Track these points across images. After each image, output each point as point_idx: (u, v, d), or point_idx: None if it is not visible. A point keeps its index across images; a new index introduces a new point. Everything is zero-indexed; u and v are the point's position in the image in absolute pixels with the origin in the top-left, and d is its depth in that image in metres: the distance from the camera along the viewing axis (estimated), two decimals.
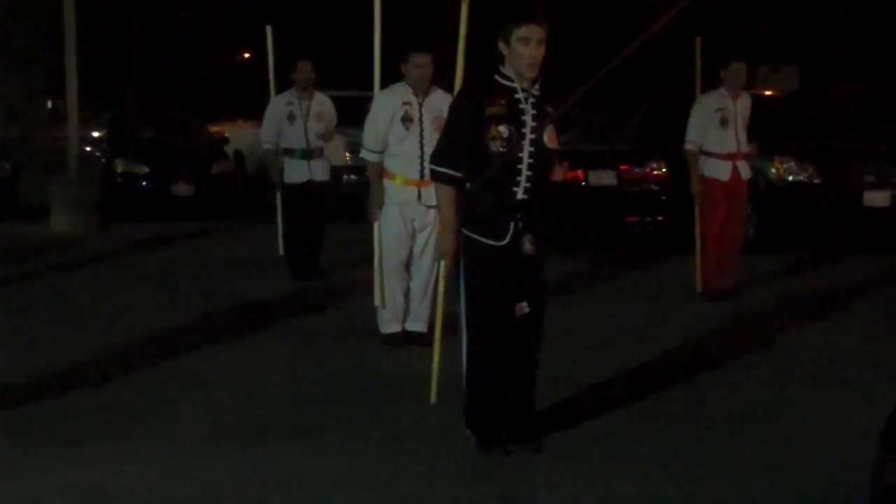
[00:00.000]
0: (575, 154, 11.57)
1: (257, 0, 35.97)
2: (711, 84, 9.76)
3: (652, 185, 13.33)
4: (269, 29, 12.45)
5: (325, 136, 10.90)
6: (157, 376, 7.40)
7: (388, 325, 8.07)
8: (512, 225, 5.36)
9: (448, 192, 5.47)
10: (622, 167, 13.24)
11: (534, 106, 5.37)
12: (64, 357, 7.81)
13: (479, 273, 5.44)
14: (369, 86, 7.94)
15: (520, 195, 5.36)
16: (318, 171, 10.83)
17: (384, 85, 7.79)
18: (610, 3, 30.55)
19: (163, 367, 7.62)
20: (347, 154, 15.69)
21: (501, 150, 5.31)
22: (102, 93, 34.40)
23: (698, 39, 10.02)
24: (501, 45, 5.34)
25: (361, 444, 6.01)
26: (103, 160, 17.30)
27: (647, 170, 13.30)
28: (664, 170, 13.14)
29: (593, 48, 24.49)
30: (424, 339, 7.67)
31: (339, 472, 5.57)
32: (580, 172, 12.69)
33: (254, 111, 28.58)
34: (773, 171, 12.75)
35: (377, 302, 8.03)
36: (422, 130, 7.75)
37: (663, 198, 13.17)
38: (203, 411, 6.60)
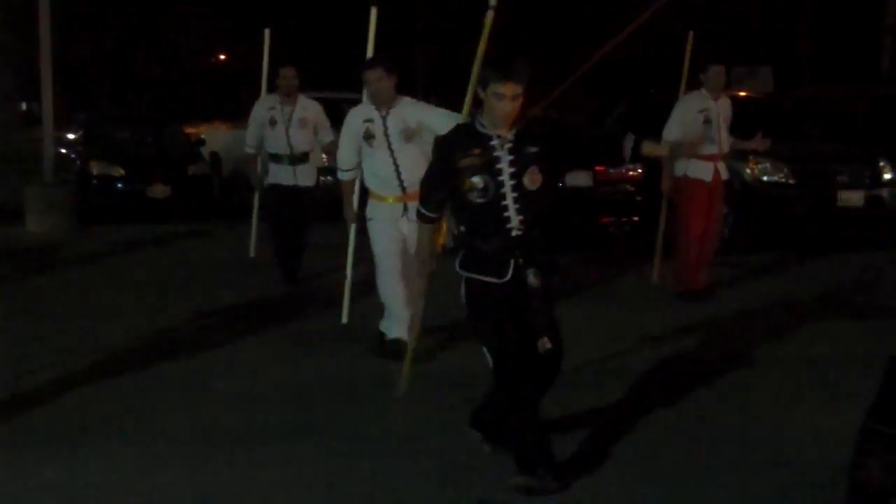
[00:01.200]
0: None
1: (234, 1, 35.91)
2: (693, 86, 9.85)
3: (628, 186, 13.39)
4: (266, 32, 12.37)
5: (323, 144, 10.90)
6: (138, 378, 7.39)
7: (396, 329, 7.80)
8: (512, 261, 5.24)
9: (427, 229, 5.68)
10: (598, 168, 13.28)
11: (511, 151, 5.23)
12: (45, 359, 7.78)
13: (487, 316, 5.31)
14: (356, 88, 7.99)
15: (514, 233, 5.25)
16: (302, 177, 10.74)
17: None
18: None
19: (144, 369, 7.62)
20: (324, 156, 15.68)
21: (479, 200, 5.23)
22: (77, 95, 34.27)
23: (690, 35, 10.13)
24: (480, 92, 5.28)
25: (345, 445, 6.04)
26: (78, 162, 17.25)
27: (623, 170, 13.34)
28: (640, 170, 13.19)
29: (574, 46, 24.53)
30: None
31: (325, 473, 5.61)
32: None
33: (230, 113, 28.58)
34: (749, 171, 12.85)
35: (343, 319, 8.15)
36: (389, 145, 7.61)
37: (639, 198, 13.23)
38: (184, 414, 6.61)
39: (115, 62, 38.35)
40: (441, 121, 7.24)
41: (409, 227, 7.49)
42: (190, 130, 21.19)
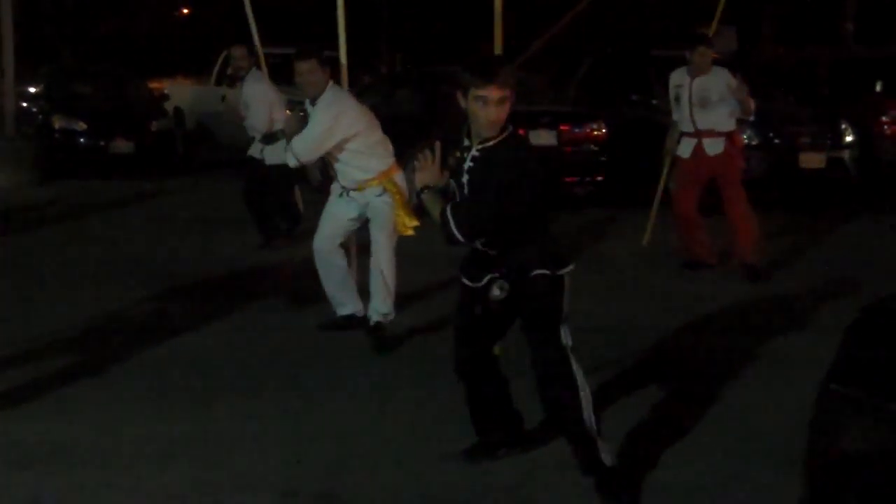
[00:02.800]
0: (516, 114, 11.60)
1: None
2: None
3: (591, 146, 13.43)
4: None
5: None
6: (101, 339, 7.40)
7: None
8: (486, 273, 4.91)
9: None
10: (562, 127, 13.32)
11: (470, 170, 4.82)
12: (8, 314, 7.79)
13: (459, 314, 5.16)
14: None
15: (490, 252, 4.88)
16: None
17: (350, 49, 7.66)
18: None
19: (106, 330, 7.63)
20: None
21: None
22: (37, 49, 33.87)
23: None
24: (460, 98, 4.80)
25: (306, 403, 6.11)
26: (40, 116, 17.10)
27: (587, 130, 13.39)
28: (604, 130, 13.24)
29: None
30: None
31: (283, 430, 5.69)
32: (521, 132, 12.74)
33: (193, 69, 28.35)
34: None
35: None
36: None
37: (603, 158, 13.29)
38: (145, 373, 6.64)
39: (76, 16, 37.90)
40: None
41: (356, 209, 7.35)
42: (153, 86, 21.06)
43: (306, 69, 7.13)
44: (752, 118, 9.57)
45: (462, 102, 4.77)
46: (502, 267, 4.88)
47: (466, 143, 4.86)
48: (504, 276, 4.88)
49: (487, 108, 4.67)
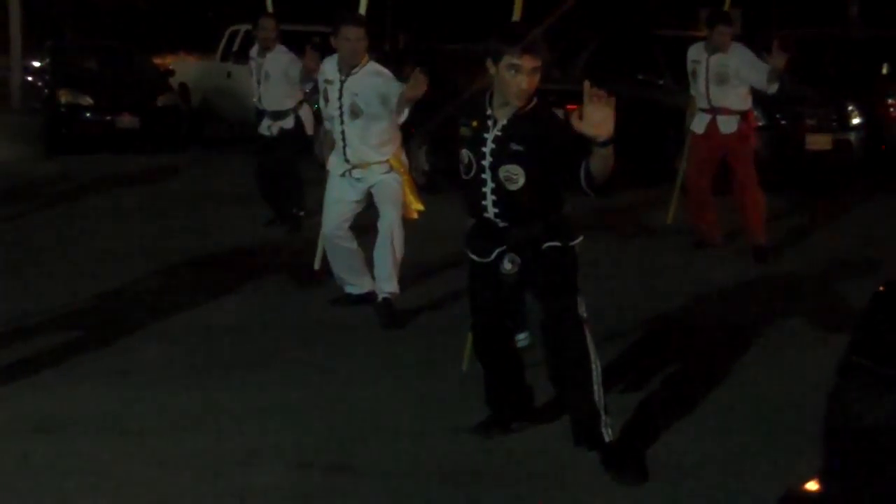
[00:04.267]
0: None
1: None
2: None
3: None
4: None
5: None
6: (114, 310, 7.44)
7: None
8: (496, 247, 4.93)
9: None
10: (569, 107, 13.28)
11: (496, 138, 4.80)
12: (20, 289, 7.83)
13: (471, 292, 5.17)
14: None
15: (499, 224, 4.90)
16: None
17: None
18: None
19: (119, 300, 7.68)
20: None
21: (464, 176, 4.96)
22: (40, 23, 33.83)
23: None
24: (489, 65, 4.75)
25: (317, 376, 6.16)
26: (46, 91, 17.08)
27: None
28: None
29: None
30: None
31: (294, 402, 5.73)
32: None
33: (194, 45, 28.35)
34: None
35: (316, 265, 7.98)
36: (341, 114, 7.15)
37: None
38: (160, 343, 6.70)
39: None
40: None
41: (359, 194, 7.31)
42: (157, 61, 21.04)
43: (356, 36, 6.97)
44: (773, 90, 9.20)
45: (492, 70, 4.75)
46: (511, 240, 4.90)
47: (489, 111, 4.85)
48: (513, 248, 4.91)
49: (519, 76, 4.66)
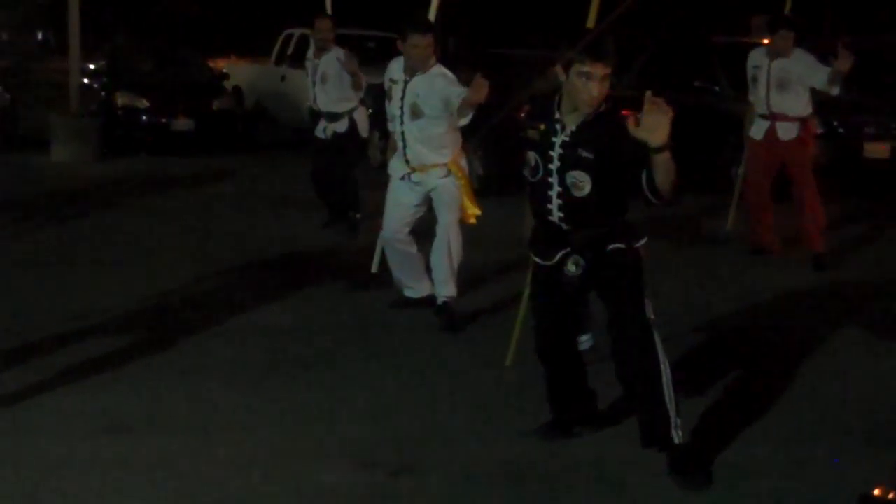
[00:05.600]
0: None
1: None
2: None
3: None
4: None
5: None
6: (178, 311, 7.52)
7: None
8: (560, 249, 4.96)
9: None
10: (624, 112, 13.23)
11: (564, 144, 4.83)
12: (80, 288, 7.93)
13: (535, 294, 5.25)
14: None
15: (563, 227, 4.93)
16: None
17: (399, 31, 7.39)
18: None
19: (182, 301, 7.76)
20: None
21: (531, 178, 4.98)
22: (94, 26, 34.18)
23: None
24: (559, 71, 4.77)
25: (378, 377, 6.21)
26: (102, 93, 17.23)
27: None
28: None
29: None
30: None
31: (357, 402, 5.79)
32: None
33: (246, 49, 28.48)
34: None
35: (374, 268, 8.04)
36: (402, 114, 7.17)
37: None
38: (222, 344, 6.76)
39: None
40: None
41: (419, 196, 7.32)
42: (210, 64, 21.18)
43: (426, 43, 6.99)
44: (835, 91, 9.17)
45: (561, 77, 4.77)
46: (574, 242, 4.92)
47: (557, 116, 4.86)
48: (578, 251, 4.92)
49: (590, 83, 4.67)
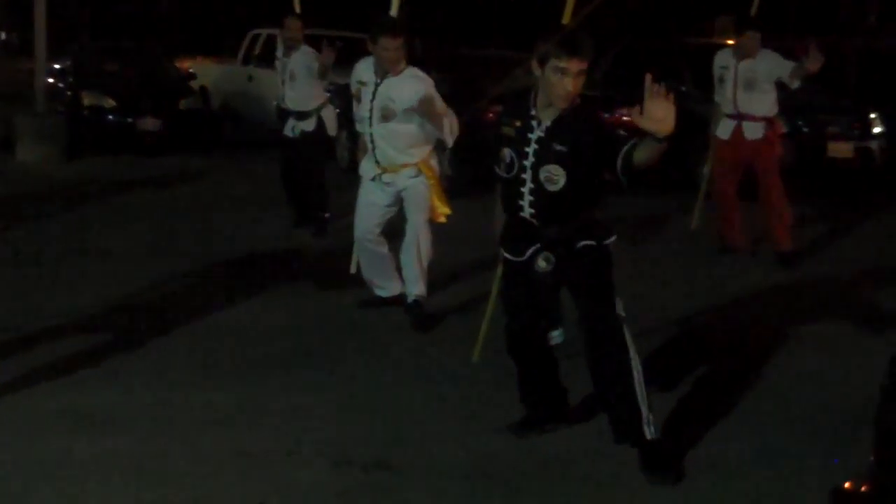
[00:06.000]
0: None
1: None
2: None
3: (622, 130, 13.39)
4: None
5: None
6: (148, 310, 7.51)
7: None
8: (530, 245, 5.01)
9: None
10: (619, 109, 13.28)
11: (539, 140, 4.87)
12: (48, 288, 7.92)
13: (506, 291, 5.28)
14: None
15: (535, 223, 4.97)
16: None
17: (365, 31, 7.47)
18: None
19: (151, 301, 7.75)
20: None
21: (504, 174, 5.02)
22: (60, 25, 34.00)
23: None
24: (535, 66, 4.84)
25: (351, 376, 6.24)
26: (68, 92, 17.15)
27: (617, 115, 13.40)
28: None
29: None
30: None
31: (332, 401, 5.81)
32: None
33: (212, 49, 28.43)
34: None
35: (352, 269, 8.05)
36: (371, 116, 7.19)
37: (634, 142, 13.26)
38: (194, 343, 6.77)
39: None
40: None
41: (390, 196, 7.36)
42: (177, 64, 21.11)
43: (395, 45, 6.99)
44: (795, 85, 9.25)
45: (537, 72, 4.82)
46: (545, 238, 4.97)
47: (532, 112, 4.91)
48: (548, 247, 4.97)
49: (566, 79, 4.73)
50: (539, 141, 4.88)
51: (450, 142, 7.00)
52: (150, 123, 16.44)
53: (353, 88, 7.38)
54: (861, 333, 7.28)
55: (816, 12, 29.59)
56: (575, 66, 4.72)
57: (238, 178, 13.89)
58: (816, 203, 12.21)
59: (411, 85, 7.04)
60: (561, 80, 4.73)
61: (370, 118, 7.21)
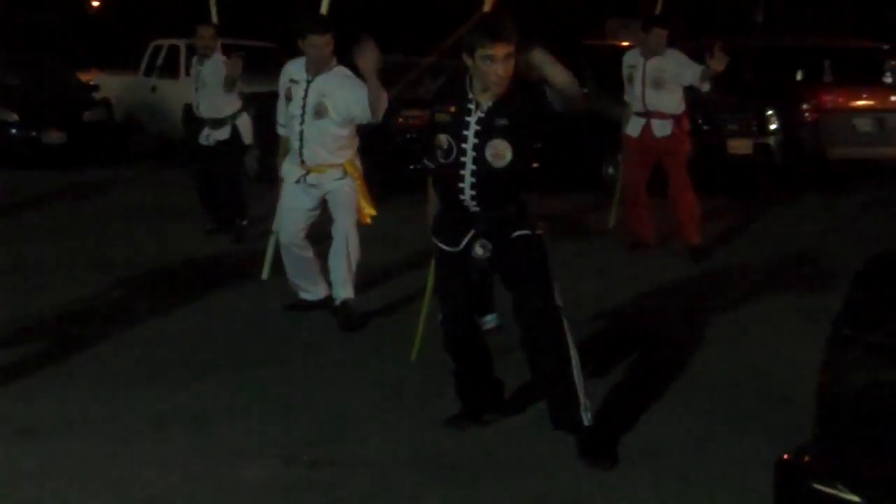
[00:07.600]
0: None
1: None
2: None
3: None
4: None
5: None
6: (79, 321, 7.49)
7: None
8: (467, 233, 5.10)
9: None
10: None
11: (480, 120, 4.96)
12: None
13: (441, 282, 5.38)
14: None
15: (472, 208, 5.05)
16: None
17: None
18: None
19: (82, 312, 7.74)
20: None
21: (442, 161, 5.08)
22: None
23: None
24: (465, 58, 4.96)
25: (286, 377, 6.35)
26: None
27: None
28: None
29: None
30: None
31: (272, 401, 5.91)
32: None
33: (116, 60, 27.99)
34: None
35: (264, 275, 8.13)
36: (304, 113, 7.23)
37: (537, 145, 13.45)
38: (130, 351, 6.81)
39: None
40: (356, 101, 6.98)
41: (314, 199, 7.41)
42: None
43: (323, 42, 7.07)
44: (706, 88, 9.56)
45: (468, 62, 4.95)
46: (479, 225, 5.06)
47: (470, 96, 5.02)
48: (484, 234, 5.07)
49: (495, 65, 4.84)
50: (480, 122, 4.97)
51: (379, 116, 7.02)
52: (54, 136, 16.26)
53: (283, 88, 7.42)
54: (780, 319, 7.59)
55: (726, 11, 30.07)
56: (501, 50, 4.82)
57: (146, 189, 13.83)
58: (718, 198, 12.56)
59: (343, 82, 7.13)
60: (491, 67, 4.84)
61: (302, 115, 7.23)
